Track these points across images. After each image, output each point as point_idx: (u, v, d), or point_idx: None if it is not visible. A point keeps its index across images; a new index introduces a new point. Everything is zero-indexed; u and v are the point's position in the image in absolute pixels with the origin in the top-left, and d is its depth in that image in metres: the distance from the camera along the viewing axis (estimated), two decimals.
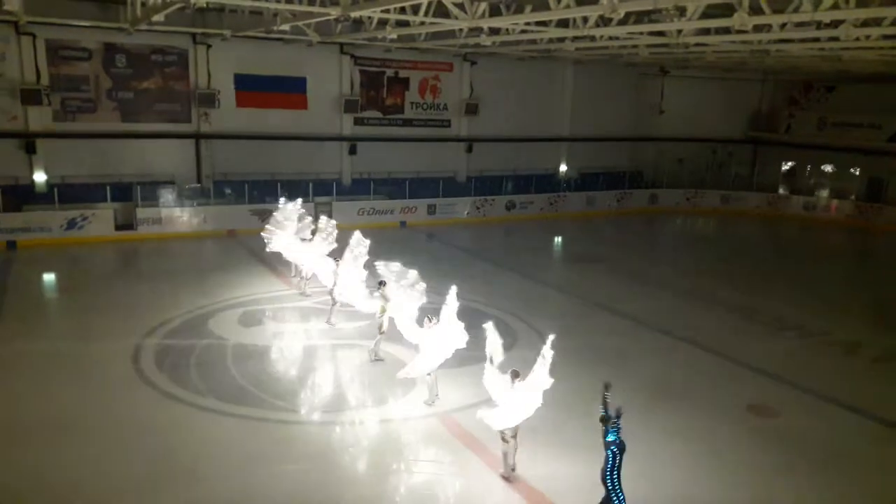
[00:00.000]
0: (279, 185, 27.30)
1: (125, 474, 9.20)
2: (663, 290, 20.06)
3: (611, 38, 20.65)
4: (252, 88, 27.55)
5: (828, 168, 35.22)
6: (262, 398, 11.76)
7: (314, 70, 28.54)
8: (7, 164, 24.00)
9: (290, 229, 18.09)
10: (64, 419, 10.73)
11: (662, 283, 20.70)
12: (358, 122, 29.91)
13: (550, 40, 22.33)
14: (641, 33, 18.67)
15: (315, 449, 10.06)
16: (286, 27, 20.45)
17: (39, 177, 24.53)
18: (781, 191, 35.81)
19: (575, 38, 21.45)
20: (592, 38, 20.77)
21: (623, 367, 13.65)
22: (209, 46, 26.09)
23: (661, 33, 18.38)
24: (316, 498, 8.80)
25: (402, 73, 30.49)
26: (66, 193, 24.45)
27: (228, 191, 27.00)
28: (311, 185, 27.93)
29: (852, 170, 34.16)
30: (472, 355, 13.84)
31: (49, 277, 20.48)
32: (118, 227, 24.55)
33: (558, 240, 28.76)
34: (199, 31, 24.55)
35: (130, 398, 11.67)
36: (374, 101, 30.21)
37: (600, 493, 8.12)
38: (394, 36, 20.70)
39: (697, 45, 20.65)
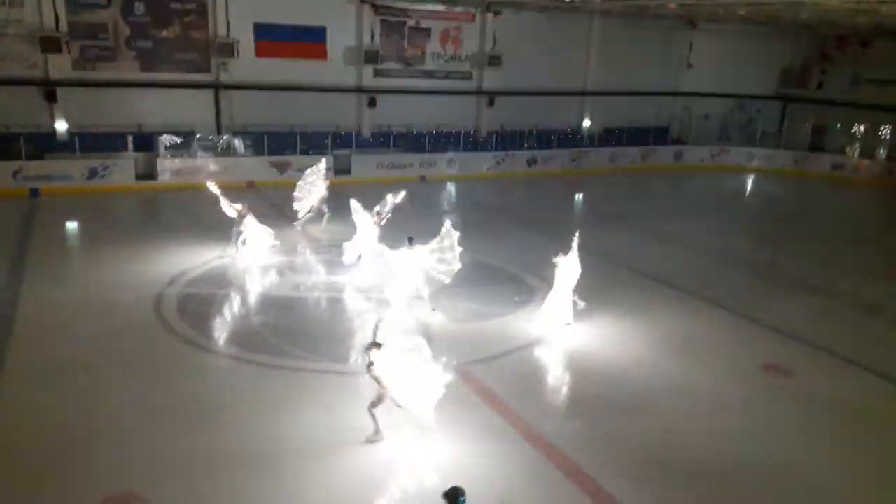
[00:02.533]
0: (298, 137, 27.23)
1: (145, 418, 9.36)
2: (685, 247, 19.86)
3: None
4: (272, 38, 27.23)
5: (859, 127, 34.26)
6: (281, 347, 11.87)
7: (334, 19, 28.12)
8: (28, 113, 24.06)
9: (318, 191, 18.71)
10: (87, 364, 10.91)
11: (684, 241, 20.47)
12: (378, 73, 29.53)
13: None
14: None
15: (330, 397, 10.15)
16: None
17: (60, 125, 24.61)
18: (809, 149, 35.00)
19: None
20: None
21: (641, 323, 13.60)
22: None
23: None
24: (331, 445, 8.91)
25: (424, 24, 29.93)
26: (87, 142, 24.57)
27: (248, 142, 26.90)
28: (329, 137, 27.80)
29: (882, 129, 33.22)
30: (491, 311, 13.96)
31: (72, 226, 20.69)
32: (139, 177, 24.68)
33: (580, 196, 28.45)
34: None
35: (152, 345, 11.83)
36: (394, 52, 29.75)
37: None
38: None
39: None
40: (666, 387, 11.03)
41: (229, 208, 16.04)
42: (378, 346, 8.54)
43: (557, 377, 11.57)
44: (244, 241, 16.00)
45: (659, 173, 33.17)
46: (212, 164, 25.55)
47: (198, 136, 26.06)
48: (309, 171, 18.96)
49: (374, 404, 8.80)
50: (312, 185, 18.74)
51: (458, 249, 12.81)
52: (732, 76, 34.86)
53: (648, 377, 11.34)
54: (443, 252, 12.99)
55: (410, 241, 13.58)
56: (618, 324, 13.60)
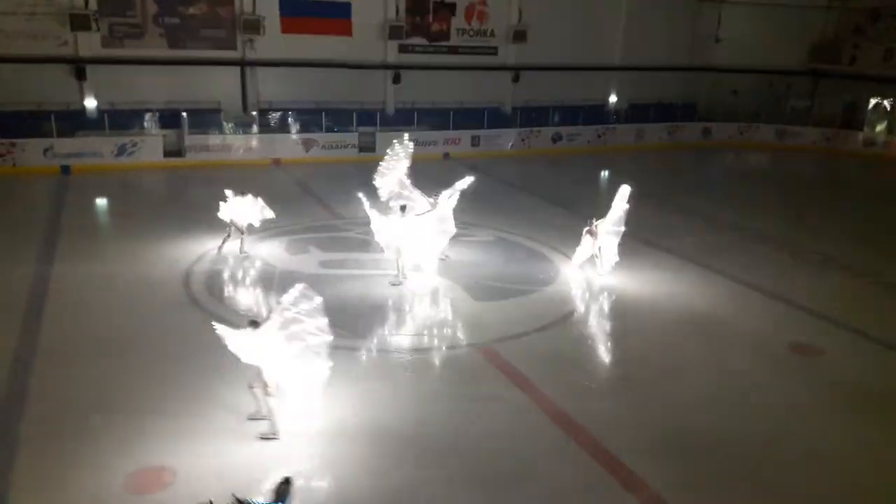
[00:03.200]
0: (323, 114, 27.30)
1: (177, 392, 9.59)
2: (712, 225, 19.71)
3: None
4: (297, 14, 27.22)
5: (893, 103, 33.47)
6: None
7: None
8: (58, 90, 24.41)
9: (401, 168, 16.11)
10: (120, 338, 11.18)
11: (711, 219, 20.30)
12: (403, 49, 29.41)
13: None
14: None
15: (353, 376, 10.31)
16: None
17: (90, 102, 24.94)
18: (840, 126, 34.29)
19: None
20: None
21: (666, 302, 13.58)
22: None
23: None
24: (357, 420, 9.08)
25: None
26: (116, 119, 24.88)
27: (274, 119, 27.06)
28: (354, 114, 27.84)
29: None
30: (516, 288, 14.03)
31: (102, 202, 21.06)
32: (167, 154, 24.98)
33: (605, 173, 28.24)
34: None
35: (182, 320, 12.07)
36: (419, 27, 29.59)
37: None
38: None
39: None
40: (695, 366, 11.04)
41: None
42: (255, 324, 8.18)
43: (583, 356, 11.61)
44: (228, 237, 15.32)
45: (686, 150, 32.76)
46: (238, 141, 25.76)
47: (223, 112, 26.28)
48: (396, 144, 16.20)
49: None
50: (396, 162, 16.07)
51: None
52: (762, 51, 34.18)
53: (676, 356, 11.36)
54: (442, 222, 13.78)
55: (403, 209, 14.03)
56: (645, 301, 13.61)
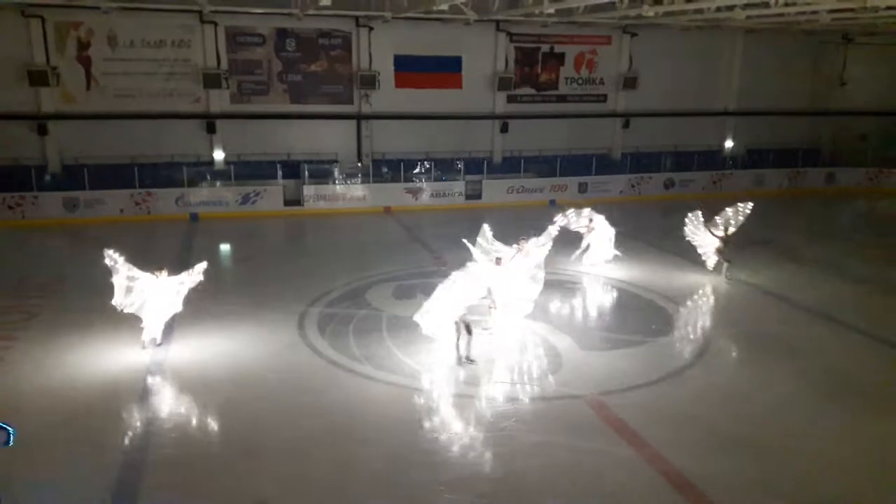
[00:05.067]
0: (433, 164, 28.00)
1: (289, 429, 9.91)
2: (840, 277, 18.41)
3: (787, 3, 19.05)
4: (410, 69, 28.29)
5: None
6: (413, 367, 12.17)
7: (469, 48, 28.79)
8: (191, 144, 26.45)
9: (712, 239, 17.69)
10: (240, 375, 11.76)
11: (838, 270, 19.00)
12: (511, 99, 29.85)
13: (718, 9, 21.00)
14: None
15: (459, 421, 10.27)
16: (445, 6, 20.75)
17: (218, 154, 26.79)
18: None
19: (746, 6, 20.02)
20: (766, 5, 19.29)
21: (792, 360, 12.71)
22: (371, 29, 27.05)
23: None
24: (459, 469, 9.00)
25: (558, 49, 29.98)
26: (241, 170, 26.58)
27: (386, 170, 28.05)
28: (462, 163, 28.38)
29: None
30: (620, 339, 13.62)
31: (226, 248, 22.36)
32: (286, 203, 26.33)
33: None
34: (363, 13, 25.59)
35: (296, 360, 12.53)
36: (527, 77, 29.97)
37: None
38: (551, 10, 20.37)
39: (889, 7, 18.53)
40: (821, 433, 10.21)
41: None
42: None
43: (692, 413, 11.04)
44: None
45: (808, 197, 31.06)
46: (352, 192, 26.83)
47: (337, 164, 27.51)
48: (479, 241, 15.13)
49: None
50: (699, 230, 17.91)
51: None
52: (893, 93, 32.15)
53: (797, 419, 10.58)
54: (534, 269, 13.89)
55: (498, 261, 13.76)
56: (759, 356, 12.83)
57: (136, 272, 12.39)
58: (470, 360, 12.27)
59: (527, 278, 13.92)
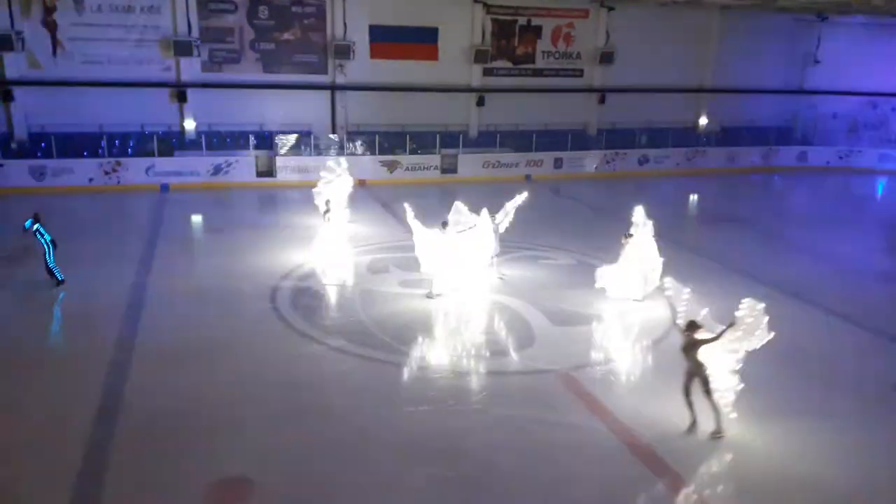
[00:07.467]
0: (408, 136, 27.78)
1: (260, 403, 9.85)
2: (808, 255, 18.71)
3: None
4: (385, 40, 27.92)
5: None
6: (387, 342, 12.14)
7: (446, 20, 28.50)
8: (161, 113, 25.89)
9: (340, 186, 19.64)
10: (210, 350, 11.60)
11: (807, 248, 19.30)
12: (487, 72, 29.64)
13: None
14: None
15: (434, 395, 10.30)
16: None
17: (189, 124, 26.27)
18: None
19: None
20: None
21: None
22: None
23: None
24: (434, 443, 9.04)
25: (535, 21, 29.79)
26: (212, 140, 26.12)
27: (360, 141, 27.74)
28: (437, 137, 28.19)
29: None
30: (591, 314, 13.72)
31: (197, 218, 22.03)
32: (259, 174, 25.97)
33: (694, 197, 27.40)
34: None
35: (268, 333, 12.43)
36: (504, 50, 29.76)
37: None
38: None
39: None
40: (791, 409, 10.37)
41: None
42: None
43: (660, 385, 11.18)
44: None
45: (780, 174, 31.43)
46: (326, 163, 26.46)
47: (312, 135, 27.14)
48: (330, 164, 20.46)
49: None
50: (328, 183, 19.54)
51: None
52: (865, 72, 32.54)
53: (767, 399, 10.74)
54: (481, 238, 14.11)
55: (444, 224, 14.27)
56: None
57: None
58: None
59: (474, 248, 14.10)
